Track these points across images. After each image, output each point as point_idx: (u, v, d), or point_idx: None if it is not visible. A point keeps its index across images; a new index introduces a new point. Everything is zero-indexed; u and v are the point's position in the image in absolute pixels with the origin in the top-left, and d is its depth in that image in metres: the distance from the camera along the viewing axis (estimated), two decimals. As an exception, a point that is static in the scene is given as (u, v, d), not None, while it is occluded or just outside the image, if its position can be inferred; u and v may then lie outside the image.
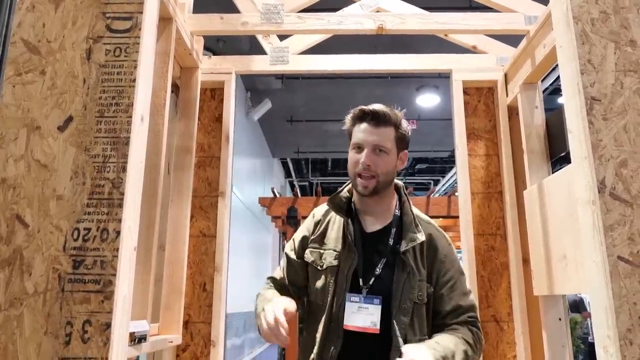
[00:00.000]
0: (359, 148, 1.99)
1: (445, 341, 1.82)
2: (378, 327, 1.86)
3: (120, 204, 1.64)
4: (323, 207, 2.17)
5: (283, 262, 2.18)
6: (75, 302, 1.56)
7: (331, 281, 1.96)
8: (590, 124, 1.73)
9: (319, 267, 2.01)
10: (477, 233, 3.14)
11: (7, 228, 1.63)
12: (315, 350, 1.91)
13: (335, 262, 1.98)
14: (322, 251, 2.04)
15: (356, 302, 1.89)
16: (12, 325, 1.54)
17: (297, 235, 2.18)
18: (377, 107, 2.00)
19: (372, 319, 1.87)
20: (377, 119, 1.98)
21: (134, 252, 1.70)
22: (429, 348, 1.74)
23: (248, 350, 14.28)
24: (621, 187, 1.69)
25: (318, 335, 1.92)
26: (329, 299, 1.94)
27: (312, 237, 2.11)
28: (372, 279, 1.94)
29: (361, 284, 1.93)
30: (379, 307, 1.88)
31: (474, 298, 2.02)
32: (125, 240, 1.63)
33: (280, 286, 2.13)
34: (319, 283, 1.99)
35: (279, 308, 1.76)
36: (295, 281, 2.12)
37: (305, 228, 2.17)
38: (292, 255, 2.14)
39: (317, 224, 2.14)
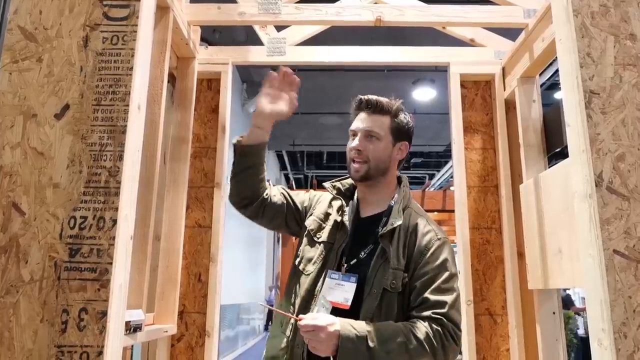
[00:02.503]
0: (354, 135, 2.09)
1: (382, 326, 1.82)
2: (349, 304, 1.89)
3: (116, 192, 1.63)
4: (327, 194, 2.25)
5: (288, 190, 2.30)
6: (72, 290, 1.56)
7: (321, 256, 2.04)
8: (588, 118, 1.73)
9: (315, 238, 2.10)
10: (472, 226, 3.14)
11: (4, 216, 1.62)
12: (292, 320, 1.97)
13: (330, 239, 2.06)
14: (323, 225, 2.12)
15: (335, 279, 1.96)
16: (8, 313, 1.54)
17: (307, 195, 2.30)
18: (372, 96, 2.08)
19: (345, 295, 1.90)
20: (371, 107, 2.07)
21: (130, 241, 1.70)
22: (343, 322, 1.80)
23: (242, 342, 14.32)
24: (618, 181, 1.69)
25: (297, 304, 2.01)
26: (313, 271, 2.02)
27: (314, 210, 2.21)
28: (354, 261, 1.99)
29: (343, 262, 2.00)
30: (354, 285, 1.92)
31: (451, 298, 1.90)
32: (121, 229, 1.63)
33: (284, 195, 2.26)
34: (311, 253, 2.08)
35: None
36: (290, 200, 2.25)
37: (308, 197, 2.30)
38: (300, 197, 2.28)
39: (319, 200, 2.25)
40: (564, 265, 2.40)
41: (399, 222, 1.99)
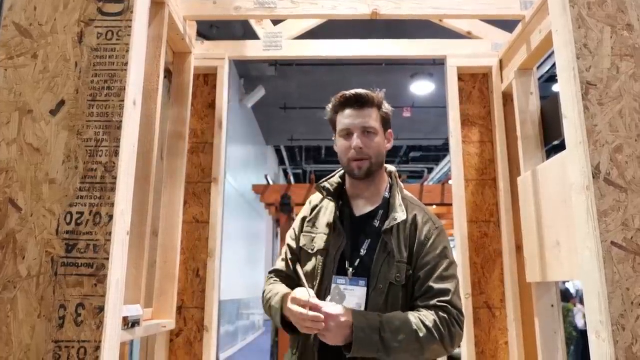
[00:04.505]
0: (348, 134, 2.01)
1: (392, 316, 1.84)
2: (363, 307, 1.88)
3: (112, 187, 1.63)
4: (318, 194, 2.18)
5: (285, 252, 2.18)
6: (68, 286, 1.55)
7: (320, 264, 1.99)
8: (585, 109, 1.72)
9: (309, 251, 2.04)
10: (470, 220, 3.14)
11: (0, 212, 1.62)
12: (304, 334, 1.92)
13: (324, 245, 2.01)
14: (313, 235, 2.07)
15: (342, 284, 1.92)
16: (5, 308, 1.54)
17: (296, 223, 2.19)
18: (358, 90, 2.02)
19: (357, 300, 1.89)
20: (360, 102, 2.01)
21: (126, 236, 1.70)
22: (356, 313, 1.80)
23: (241, 336, 14.33)
24: (616, 172, 1.69)
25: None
26: (317, 282, 1.97)
27: (307, 222, 2.14)
28: (357, 260, 1.96)
29: (347, 266, 1.96)
30: (364, 288, 1.90)
31: (453, 285, 1.95)
32: (117, 224, 1.62)
33: (286, 277, 2.13)
34: (309, 266, 2.02)
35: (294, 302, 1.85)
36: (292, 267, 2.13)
37: (302, 214, 2.20)
38: (294, 245, 2.15)
39: (313, 209, 2.17)
40: (562, 258, 2.39)
41: (403, 217, 1.98)
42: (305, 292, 1.86)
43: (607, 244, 1.64)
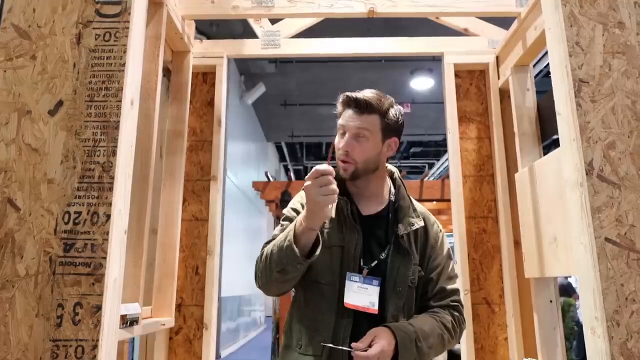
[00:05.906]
0: (343, 133, 1.97)
1: (421, 323, 1.88)
2: (376, 308, 1.88)
3: (110, 187, 1.64)
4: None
5: (286, 225, 2.02)
6: (66, 285, 1.57)
7: (337, 260, 1.93)
8: (578, 106, 1.73)
9: (323, 244, 1.91)
10: (468, 216, 3.15)
11: (-1, 212, 1.64)
12: (326, 332, 1.88)
13: (339, 242, 1.95)
14: (321, 228, 1.94)
15: (356, 281, 1.90)
16: (4, 308, 1.55)
17: (297, 205, 2.08)
18: (362, 95, 1.96)
19: (370, 299, 1.89)
20: (360, 107, 1.95)
21: (124, 236, 1.71)
22: (397, 330, 1.80)
23: (243, 333, 14.36)
24: (609, 169, 1.70)
25: (331, 316, 1.90)
26: (337, 278, 1.92)
27: None
28: (375, 262, 1.94)
29: (361, 264, 1.94)
30: (378, 288, 1.89)
31: (458, 283, 2.08)
32: (115, 224, 1.64)
33: None
34: (324, 261, 1.92)
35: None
36: None
37: (303, 200, 2.05)
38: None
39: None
40: (559, 254, 2.41)
41: (421, 224, 2.01)
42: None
43: (601, 240, 1.66)
